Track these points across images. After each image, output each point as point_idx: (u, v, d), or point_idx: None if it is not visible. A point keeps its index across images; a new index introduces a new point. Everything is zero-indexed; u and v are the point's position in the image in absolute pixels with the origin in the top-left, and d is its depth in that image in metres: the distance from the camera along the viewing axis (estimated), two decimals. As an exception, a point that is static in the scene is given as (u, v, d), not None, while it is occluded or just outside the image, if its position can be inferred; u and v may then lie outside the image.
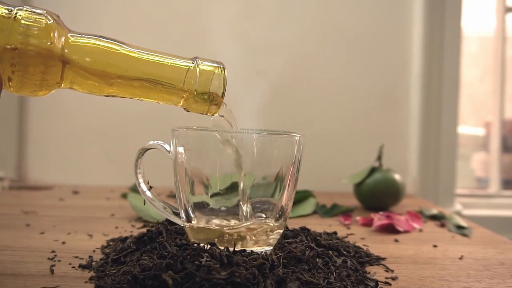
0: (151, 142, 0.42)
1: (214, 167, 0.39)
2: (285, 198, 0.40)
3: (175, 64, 0.37)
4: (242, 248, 0.38)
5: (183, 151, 0.39)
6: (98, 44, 0.35)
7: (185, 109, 0.39)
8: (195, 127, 0.42)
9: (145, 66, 0.36)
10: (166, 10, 0.97)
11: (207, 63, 0.38)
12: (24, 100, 0.97)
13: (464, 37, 1.04)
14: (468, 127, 1.51)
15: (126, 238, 0.48)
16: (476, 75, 1.49)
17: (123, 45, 0.36)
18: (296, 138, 0.40)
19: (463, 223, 0.63)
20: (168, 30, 0.97)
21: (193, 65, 0.37)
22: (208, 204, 0.40)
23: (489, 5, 1.30)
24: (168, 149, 0.42)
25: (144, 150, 0.43)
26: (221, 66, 0.38)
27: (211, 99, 0.38)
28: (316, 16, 0.99)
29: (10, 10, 0.32)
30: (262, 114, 0.97)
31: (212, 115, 0.39)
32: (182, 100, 0.38)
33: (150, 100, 0.38)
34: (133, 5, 0.98)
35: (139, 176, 0.43)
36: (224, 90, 0.38)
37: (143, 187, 0.43)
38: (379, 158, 0.76)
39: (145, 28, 0.97)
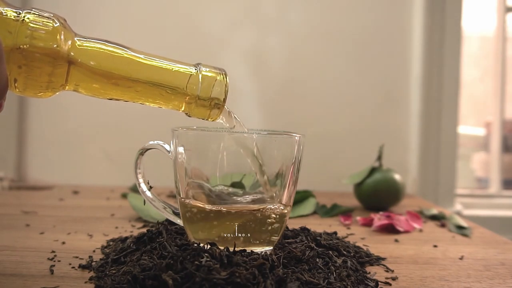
0: (151, 142, 0.42)
1: (214, 167, 0.39)
2: (285, 198, 0.40)
3: (178, 70, 0.38)
4: (242, 248, 0.38)
5: (183, 151, 0.40)
6: (103, 49, 0.36)
7: (186, 114, 0.39)
8: (195, 127, 0.42)
9: (149, 71, 0.37)
10: (168, 12, 0.97)
11: (209, 69, 0.38)
12: (24, 100, 0.97)
13: (464, 37, 1.04)
14: (468, 127, 1.51)
15: (126, 238, 0.48)
16: (476, 75, 1.49)
17: (128, 50, 0.37)
18: (296, 138, 0.40)
19: (463, 223, 0.63)
20: (169, 33, 0.97)
21: (196, 71, 0.38)
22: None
23: (489, 5, 1.30)
24: (168, 149, 0.42)
25: (144, 150, 0.43)
26: (223, 72, 0.39)
27: (212, 105, 0.38)
28: (316, 16, 0.99)
29: (18, 13, 0.33)
30: (263, 114, 0.97)
31: (213, 120, 0.39)
32: (184, 105, 0.38)
33: (152, 104, 0.38)
34: (134, 6, 0.98)
35: (139, 176, 0.43)
36: (226, 96, 0.38)
37: (143, 187, 0.43)
38: (379, 158, 0.76)
39: (146, 29, 0.97)
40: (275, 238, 0.41)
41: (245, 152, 0.39)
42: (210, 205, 0.39)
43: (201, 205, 0.39)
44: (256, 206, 0.40)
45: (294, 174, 0.40)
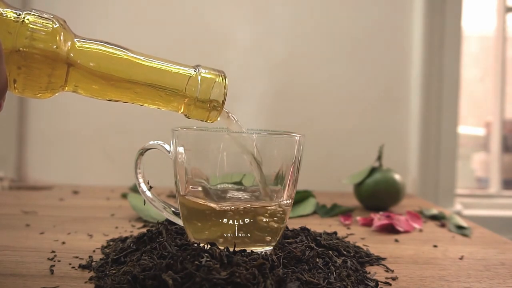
0: (151, 142, 0.42)
1: (214, 167, 0.39)
2: (285, 198, 0.40)
3: (177, 71, 0.38)
4: (242, 248, 0.38)
5: (183, 151, 0.40)
6: (103, 50, 0.36)
7: (185, 115, 0.39)
8: (195, 127, 0.42)
9: (148, 73, 0.37)
10: (169, 11, 0.97)
11: (208, 71, 0.38)
12: (24, 100, 0.97)
13: (465, 37, 1.04)
14: (468, 127, 1.51)
15: (126, 238, 0.48)
16: (476, 75, 1.49)
17: (127, 52, 0.37)
18: (296, 138, 0.40)
19: (463, 223, 0.63)
20: (170, 31, 0.97)
21: (195, 72, 0.38)
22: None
23: (489, 5, 1.30)
24: (168, 149, 0.42)
25: (144, 150, 0.43)
26: (222, 74, 0.39)
27: (211, 107, 0.38)
28: (316, 16, 0.99)
29: (18, 14, 0.33)
30: (262, 114, 0.97)
31: (212, 122, 0.40)
32: (183, 107, 0.38)
33: (151, 105, 0.38)
34: (134, 6, 0.98)
35: (139, 176, 0.43)
36: (225, 98, 0.38)
37: (143, 187, 0.43)
38: (379, 158, 0.76)
39: (147, 29, 0.97)
40: (275, 238, 0.41)
41: (245, 154, 0.39)
42: (210, 205, 0.39)
43: (201, 205, 0.39)
44: (256, 205, 0.40)
45: (294, 174, 0.40)
